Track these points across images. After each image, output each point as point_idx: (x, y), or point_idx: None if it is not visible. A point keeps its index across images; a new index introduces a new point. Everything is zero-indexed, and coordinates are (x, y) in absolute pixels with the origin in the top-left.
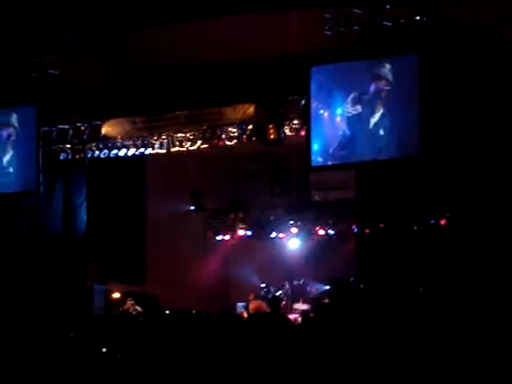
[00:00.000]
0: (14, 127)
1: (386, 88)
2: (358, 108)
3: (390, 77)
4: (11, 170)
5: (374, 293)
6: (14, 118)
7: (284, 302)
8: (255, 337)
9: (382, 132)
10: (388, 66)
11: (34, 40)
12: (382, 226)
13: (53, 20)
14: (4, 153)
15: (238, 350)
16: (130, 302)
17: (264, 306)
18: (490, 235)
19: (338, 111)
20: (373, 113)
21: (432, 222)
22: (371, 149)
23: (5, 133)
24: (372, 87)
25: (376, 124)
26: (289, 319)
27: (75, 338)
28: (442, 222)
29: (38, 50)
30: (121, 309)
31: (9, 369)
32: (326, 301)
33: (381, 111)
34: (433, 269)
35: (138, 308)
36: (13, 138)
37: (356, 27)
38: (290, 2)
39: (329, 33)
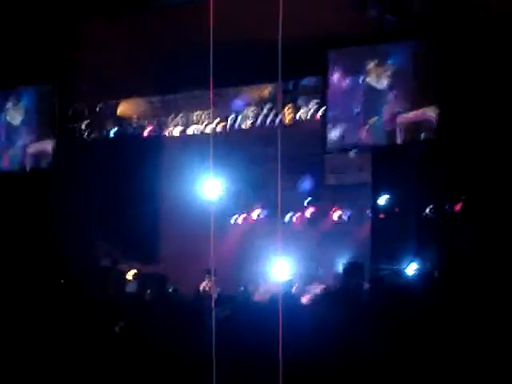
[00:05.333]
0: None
1: (402, 72)
2: (373, 92)
3: (406, 60)
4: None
5: (388, 278)
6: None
7: (296, 284)
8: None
9: (397, 116)
10: (405, 50)
11: (53, 19)
12: (397, 210)
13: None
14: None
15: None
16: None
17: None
18: (506, 220)
19: (354, 94)
20: (388, 97)
21: (447, 207)
22: (386, 132)
23: (21, 111)
24: (389, 71)
25: (391, 108)
26: (300, 301)
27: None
28: (457, 207)
29: (55, 28)
30: (200, 287)
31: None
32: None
33: (396, 96)
34: (448, 254)
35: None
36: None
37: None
38: None
39: (347, 12)
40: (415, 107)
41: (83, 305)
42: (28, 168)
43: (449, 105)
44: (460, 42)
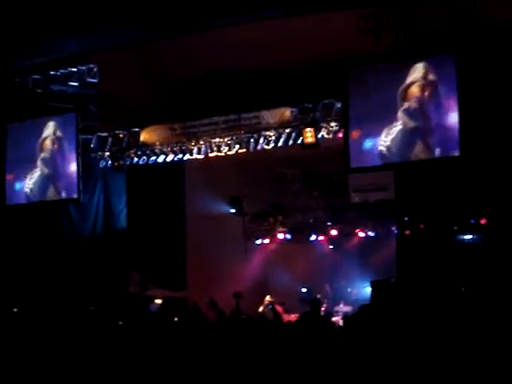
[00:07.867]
0: (56, 136)
1: (424, 88)
2: (397, 108)
3: (428, 77)
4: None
5: (416, 294)
6: (55, 127)
7: (325, 305)
8: (297, 338)
9: (421, 132)
10: (425, 67)
11: (74, 49)
12: (422, 226)
13: (91, 28)
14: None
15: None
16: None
17: (281, 311)
18: None
19: (376, 112)
20: (412, 113)
21: (472, 221)
22: (410, 149)
23: (48, 142)
24: (410, 88)
25: (415, 124)
26: (329, 320)
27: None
28: (482, 221)
29: (77, 58)
30: (260, 310)
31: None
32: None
33: (419, 112)
34: (474, 268)
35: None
36: (55, 146)
37: (392, 29)
38: (326, 4)
39: (363, 33)
40: (436, 124)
41: (112, 331)
42: (56, 196)
43: (472, 121)
44: (479, 58)
